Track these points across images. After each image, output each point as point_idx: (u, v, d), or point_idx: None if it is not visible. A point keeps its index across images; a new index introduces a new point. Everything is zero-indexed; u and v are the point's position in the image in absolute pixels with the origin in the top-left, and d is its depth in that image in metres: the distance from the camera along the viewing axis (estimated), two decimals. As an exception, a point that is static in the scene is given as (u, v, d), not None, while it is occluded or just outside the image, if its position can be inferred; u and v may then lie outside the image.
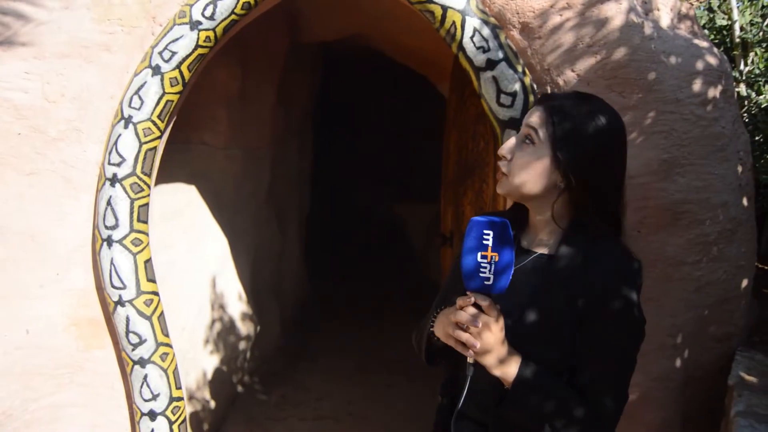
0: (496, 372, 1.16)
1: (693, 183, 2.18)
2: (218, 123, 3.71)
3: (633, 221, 2.17)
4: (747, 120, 3.53)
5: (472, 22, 2.18)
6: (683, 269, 2.22)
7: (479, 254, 1.11)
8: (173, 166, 3.32)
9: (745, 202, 2.35)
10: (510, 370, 1.16)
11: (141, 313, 2.41)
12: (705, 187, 2.20)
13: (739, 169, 2.31)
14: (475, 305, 1.14)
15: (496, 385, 1.20)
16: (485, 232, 1.12)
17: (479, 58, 2.19)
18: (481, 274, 1.11)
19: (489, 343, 1.14)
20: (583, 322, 1.17)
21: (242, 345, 3.88)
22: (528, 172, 1.25)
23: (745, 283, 2.37)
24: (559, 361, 1.19)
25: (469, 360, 1.17)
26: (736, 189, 2.29)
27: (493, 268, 1.11)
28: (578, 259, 1.20)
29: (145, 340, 2.42)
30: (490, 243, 1.11)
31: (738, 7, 4.05)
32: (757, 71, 3.75)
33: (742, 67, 3.96)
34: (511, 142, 1.30)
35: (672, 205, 2.17)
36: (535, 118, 1.26)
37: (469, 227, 1.13)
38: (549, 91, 2.19)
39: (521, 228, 1.35)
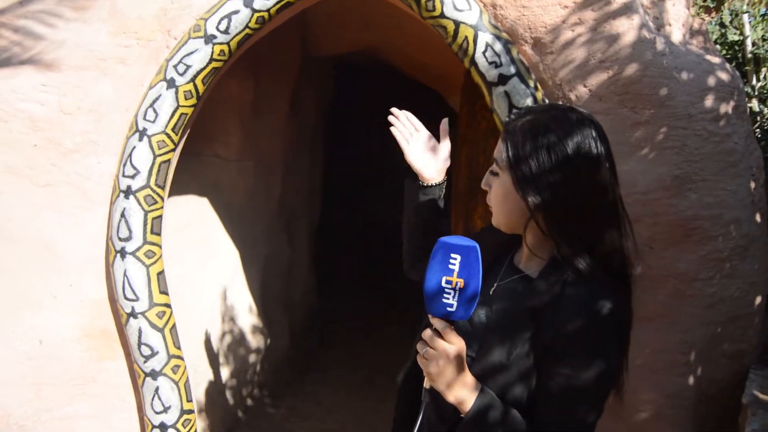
0: (450, 399, 1.08)
1: (705, 199, 2.17)
2: (231, 135, 3.74)
3: (644, 236, 2.16)
4: (759, 136, 3.52)
5: (485, 37, 2.20)
6: (695, 285, 2.21)
7: (444, 279, 1.02)
8: (185, 178, 3.34)
9: (758, 218, 2.33)
10: (466, 399, 1.08)
11: (153, 325, 2.42)
12: (717, 203, 2.19)
13: (752, 185, 2.30)
14: (435, 330, 1.06)
15: (453, 410, 1.12)
16: (452, 255, 1.02)
17: (491, 73, 2.21)
18: (444, 300, 1.03)
19: (442, 370, 1.06)
20: (546, 360, 1.08)
21: (252, 357, 3.88)
22: (497, 203, 1.20)
23: (758, 300, 2.35)
24: (519, 395, 1.11)
25: (425, 385, 1.10)
26: (749, 205, 2.28)
27: (456, 295, 1.02)
28: (552, 293, 1.10)
29: (157, 353, 2.43)
30: (456, 268, 1.02)
31: (750, 22, 4.05)
32: (770, 86, 3.75)
33: (754, 82, 3.95)
34: (486, 176, 1.23)
35: (683, 221, 2.16)
36: (496, 147, 1.19)
37: (436, 248, 1.03)
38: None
39: (520, 246, 1.28)
